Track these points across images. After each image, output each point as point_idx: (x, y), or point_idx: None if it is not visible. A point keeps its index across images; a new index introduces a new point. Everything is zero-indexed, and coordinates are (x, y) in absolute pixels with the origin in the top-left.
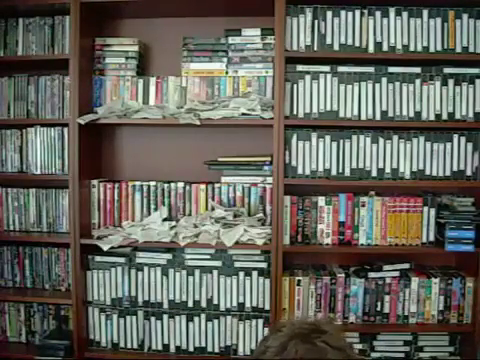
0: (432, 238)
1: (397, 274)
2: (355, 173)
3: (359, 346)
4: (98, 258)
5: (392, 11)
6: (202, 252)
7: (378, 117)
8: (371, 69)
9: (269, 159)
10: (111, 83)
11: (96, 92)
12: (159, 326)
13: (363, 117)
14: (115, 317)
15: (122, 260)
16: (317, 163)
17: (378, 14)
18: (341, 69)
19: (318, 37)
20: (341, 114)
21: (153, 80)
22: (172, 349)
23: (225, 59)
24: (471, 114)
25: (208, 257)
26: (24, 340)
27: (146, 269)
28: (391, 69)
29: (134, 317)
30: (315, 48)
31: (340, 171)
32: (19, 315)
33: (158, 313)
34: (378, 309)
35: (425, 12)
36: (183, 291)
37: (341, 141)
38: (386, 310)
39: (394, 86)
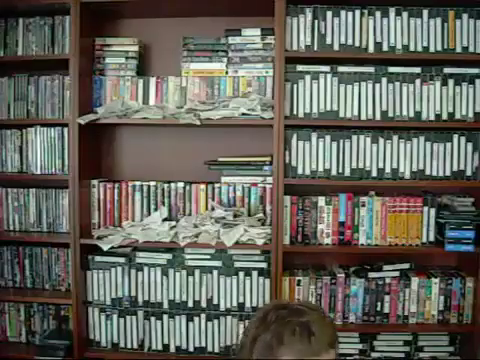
0: (432, 238)
1: (397, 274)
2: (355, 173)
3: (359, 346)
4: (98, 258)
5: (392, 11)
6: (202, 252)
7: (378, 117)
8: (371, 69)
9: (269, 159)
10: (111, 83)
11: (96, 92)
12: (159, 326)
13: (363, 117)
14: (115, 317)
15: (122, 260)
16: (317, 163)
17: (378, 14)
18: (341, 69)
19: (318, 37)
20: (341, 114)
21: (153, 80)
22: (172, 349)
23: (225, 59)
24: (471, 114)
25: (208, 257)
26: (24, 340)
27: (146, 269)
28: (391, 69)
29: (134, 317)
30: (315, 48)
31: (340, 171)
32: (19, 315)
33: (158, 313)
34: (378, 309)
35: (425, 12)
36: (183, 291)
37: (341, 141)
38: (386, 310)
39: (394, 86)
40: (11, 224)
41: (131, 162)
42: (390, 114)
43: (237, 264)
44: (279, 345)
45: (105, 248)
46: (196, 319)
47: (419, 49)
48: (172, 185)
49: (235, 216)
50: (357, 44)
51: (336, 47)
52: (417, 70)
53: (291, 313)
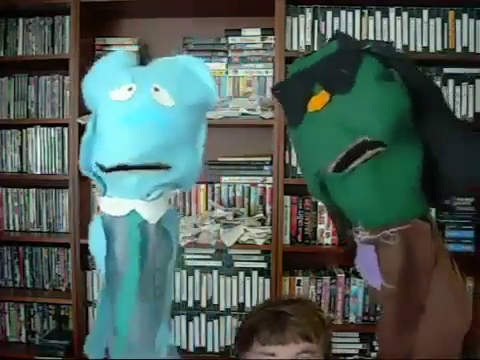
0: None
1: None
2: None
3: (359, 346)
4: None
5: (392, 11)
6: (202, 252)
7: None
8: None
9: (269, 159)
10: None
11: None
12: None
13: None
14: None
15: None
16: None
17: (378, 14)
18: None
19: (318, 37)
20: None
21: None
22: None
23: (225, 59)
24: (471, 114)
25: (208, 257)
26: (24, 340)
27: None
28: None
29: None
30: (315, 48)
31: None
32: (19, 315)
33: None
34: (378, 309)
35: (425, 12)
36: (183, 291)
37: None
38: None
39: None
40: (11, 224)
41: None
42: None
43: (237, 264)
44: (252, 333)
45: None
46: (196, 319)
47: (419, 49)
48: None
49: (235, 216)
50: None
51: None
52: None
53: (273, 303)
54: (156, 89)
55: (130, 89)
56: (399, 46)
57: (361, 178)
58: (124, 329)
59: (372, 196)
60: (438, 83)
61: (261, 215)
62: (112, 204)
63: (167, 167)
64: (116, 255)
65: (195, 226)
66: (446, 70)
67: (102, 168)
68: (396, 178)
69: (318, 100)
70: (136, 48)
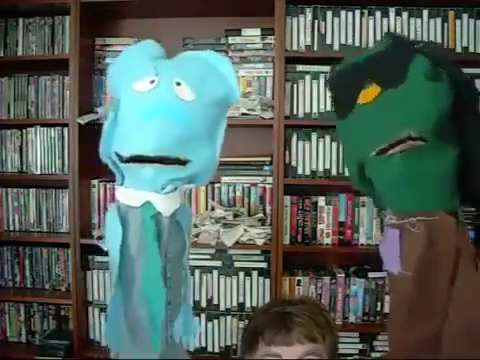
0: None
1: None
2: None
3: (359, 346)
4: (98, 258)
5: (392, 11)
6: (202, 252)
7: None
8: None
9: (269, 159)
10: None
11: (96, 92)
12: None
13: None
14: None
15: None
16: (317, 163)
17: (378, 14)
18: None
19: (318, 37)
20: None
21: None
22: None
23: None
24: None
25: (208, 257)
26: (24, 340)
27: None
28: None
29: None
30: (315, 48)
31: (340, 171)
32: (19, 315)
33: None
34: (378, 309)
35: (425, 12)
36: None
37: (341, 141)
38: (386, 310)
39: None
40: (11, 224)
41: None
42: None
43: (237, 264)
44: (257, 334)
45: (105, 248)
46: (196, 319)
47: None
48: None
49: (235, 216)
50: (357, 44)
51: (336, 47)
52: None
53: (278, 303)
54: (178, 83)
55: (152, 81)
56: None
57: (396, 164)
58: (159, 315)
59: (403, 183)
60: None
61: (261, 215)
62: (128, 194)
63: (184, 162)
64: (129, 244)
65: (195, 226)
66: None
67: (120, 158)
68: (429, 170)
69: (369, 93)
70: None
